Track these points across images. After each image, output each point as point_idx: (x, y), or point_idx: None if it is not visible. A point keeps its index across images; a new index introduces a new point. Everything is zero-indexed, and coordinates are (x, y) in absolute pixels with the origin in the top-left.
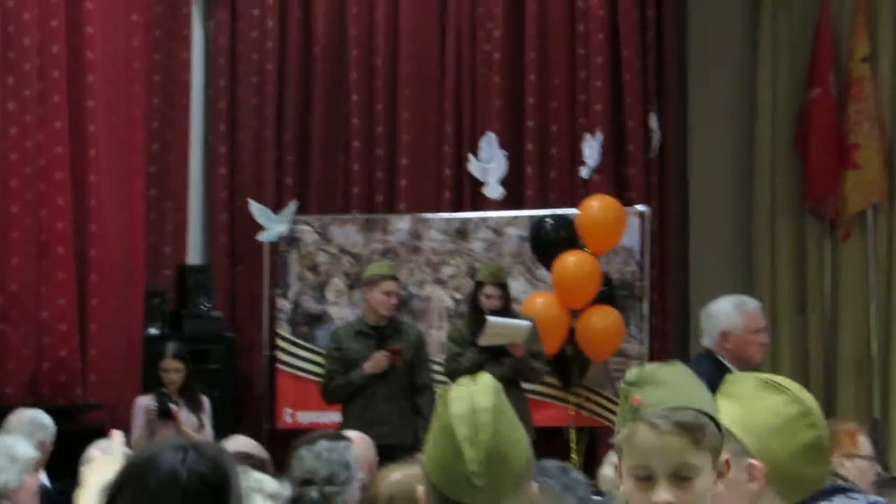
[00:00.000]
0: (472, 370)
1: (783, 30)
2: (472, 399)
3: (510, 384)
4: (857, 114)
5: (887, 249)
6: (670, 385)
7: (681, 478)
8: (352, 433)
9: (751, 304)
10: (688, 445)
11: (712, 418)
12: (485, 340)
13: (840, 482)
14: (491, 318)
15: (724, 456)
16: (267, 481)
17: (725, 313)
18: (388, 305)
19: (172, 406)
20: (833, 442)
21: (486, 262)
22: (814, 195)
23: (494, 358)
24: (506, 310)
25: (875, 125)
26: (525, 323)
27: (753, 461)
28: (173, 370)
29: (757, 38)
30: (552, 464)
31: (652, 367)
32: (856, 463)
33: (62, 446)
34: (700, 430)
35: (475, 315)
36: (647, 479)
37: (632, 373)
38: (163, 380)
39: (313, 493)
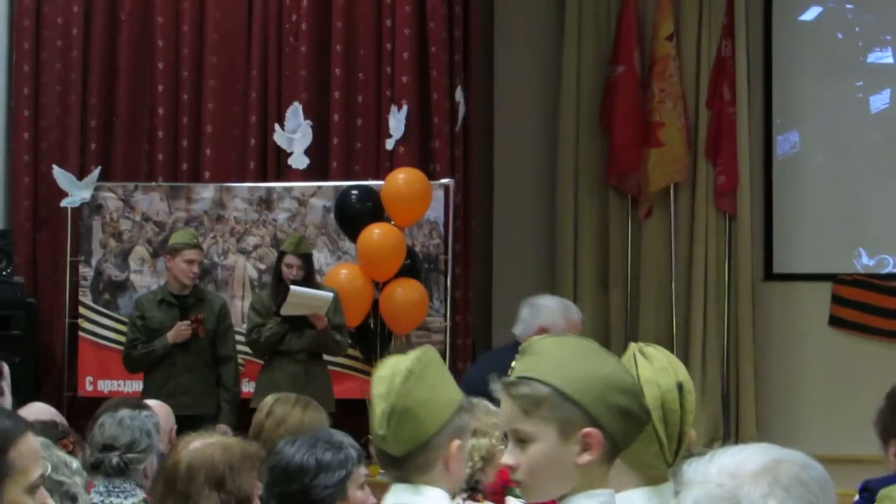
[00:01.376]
0: (273, 341)
1: (589, 6)
2: (394, 363)
3: (312, 356)
4: (660, 92)
5: (688, 227)
6: (546, 356)
7: (520, 441)
8: (151, 402)
9: (576, 314)
10: (518, 413)
11: (560, 391)
12: (287, 310)
13: None
14: (294, 288)
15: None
16: (70, 459)
17: (550, 311)
18: (189, 274)
19: None
20: None
21: (291, 232)
22: (617, 171)
23: (296, 329)
24: (308, 280)
25: (678, 103)
26: (327, 294)
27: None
28: None
29: (563, 14)
30: None
31: (537, 339)
32: None
33: None
34: (529, 399)
35: (278, 285)
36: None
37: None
38: None
39: (114, 459)
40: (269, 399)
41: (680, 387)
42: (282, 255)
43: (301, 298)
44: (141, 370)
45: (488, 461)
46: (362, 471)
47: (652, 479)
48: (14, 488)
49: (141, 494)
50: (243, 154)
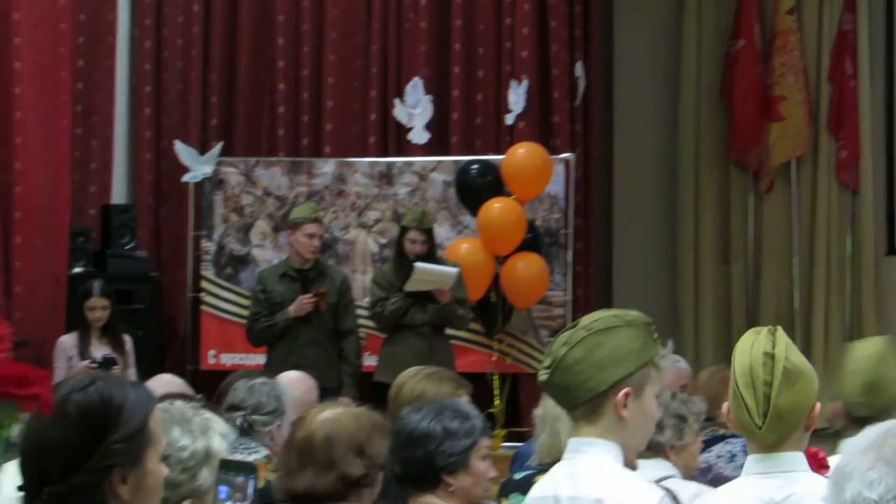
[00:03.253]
0: (397, 315)
1: None
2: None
3: (435, 330)
4: (781, 66)
5: (810, 201)
6: None
7: None
8: (294, 374)
9: (681, 365)
10: None
11: None
12: (411, 286)
13: (721, 431)
14: (419, 264)
15: None
16: (216, 420)
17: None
18: (310, 248)
19: (109, 358)
20: (725, 390)
21: (411, 207)
22: (738, 146)
23: (419, 303)
24: (430, 255)
25: (800, 77)
26: (452, 269)
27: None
28: (99, 308)
29: None
30: None
31: None
32: None
33: None
34: None
35: (401, 260)
36: None
37: None
38: (87, 318)
39: (238, 418)
40: (404, 373)
41: (770, 356)
42: (404, 230)
43: (426, 275)
44: (263, 344)
45: None
46: (486, 442)
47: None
48: (153, 457)
49: (265, 451)
50: (364, 129)
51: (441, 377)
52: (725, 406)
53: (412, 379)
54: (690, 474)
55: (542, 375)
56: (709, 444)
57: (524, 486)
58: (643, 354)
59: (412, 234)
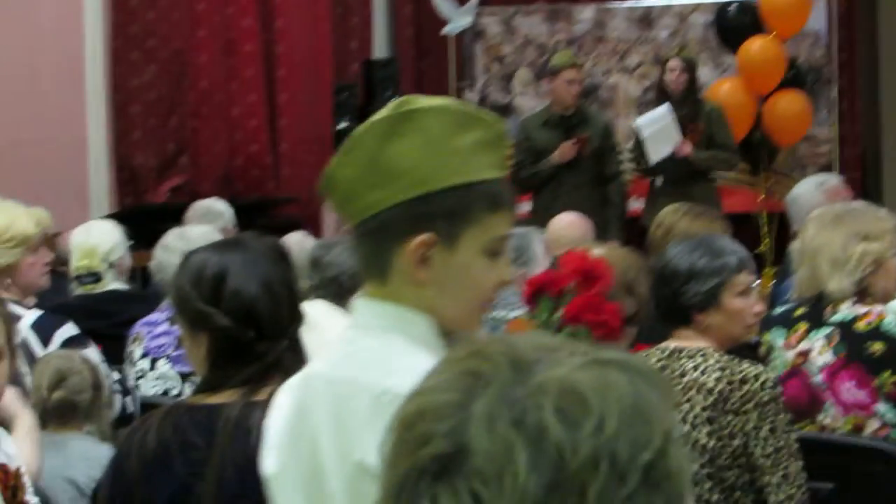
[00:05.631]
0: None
1: None
2: None
3: (697, 175)
4: None
5: None
6: None
7: None
8: (569, 216)
9: (832, 181)
10: None
11: None
12: (654, 155)
13: None
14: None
15: None
16: None
17: (808, 199)
18: (571, 94)
19: None
20: None
21: (673, 48)
22: None
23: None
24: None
25: None
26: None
27: None
28: None
29: None
30: None
31: None
32: None
33: None
34: None
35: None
36: None
37: None
38: None
39: None
40: (664, 211)
41: None
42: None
43: (653, 134)
44: (529, 191)
45: (879, 266)
46: (742, 278)
47: None
48: None
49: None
50: None
51: (696, 213)
52: None
53: (670, 216)
54: None
55: None
56: None
57: (785, 321)
58: None
59: (672, 63)
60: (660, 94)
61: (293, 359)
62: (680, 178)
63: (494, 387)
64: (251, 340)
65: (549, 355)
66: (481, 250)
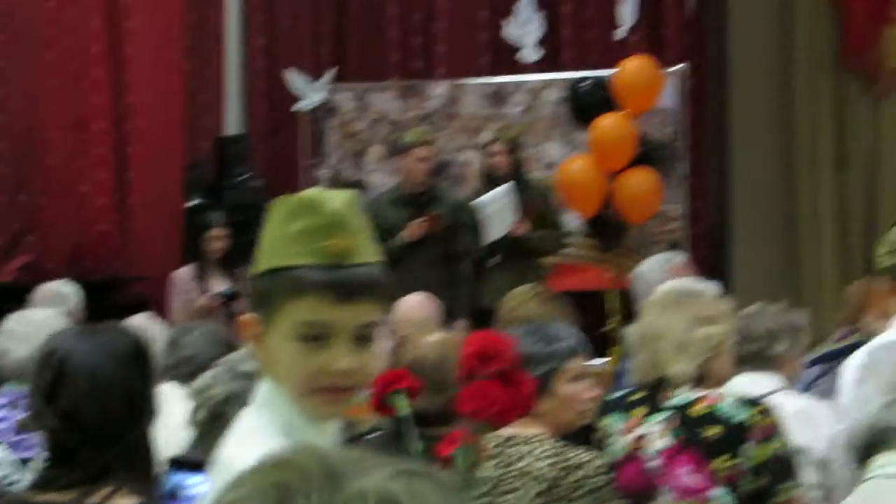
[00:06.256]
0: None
1: None
2: None
3: (530, 255)
4: None
5: None
6: None
7: None
8: (416, 296)
9: (677, 259)
10: None
11: None
12: (493, 234)
13: (866, 338)
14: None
15: None
16: None
17: (651, 276)
18: (421, 171)
19: (235, 291)
20: (869, 301)
21: (521, 125)
22: (853, 50)
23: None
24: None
25: None
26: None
27: None
28: (220, 238)
29: None
30: None
31: None
32: (887, 322)
33: (106, 320)
34: None
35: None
36: None
37: None
38: (206, 250)
39: None
40: (514, 292)
41: None
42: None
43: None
44: None
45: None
46: (575, 364)
47: None
48: None
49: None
50: (475, 49)
51: (546, 297)
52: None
53: (518, 298)
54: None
55: (884, 260)
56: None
57: (622, 406)
58: None
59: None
60: (484, 178)
61: (128, 464)
62: (513, 257)
63: (313, 498)
64: (76, 445)
65: (357, 465)
66: (292, 335)
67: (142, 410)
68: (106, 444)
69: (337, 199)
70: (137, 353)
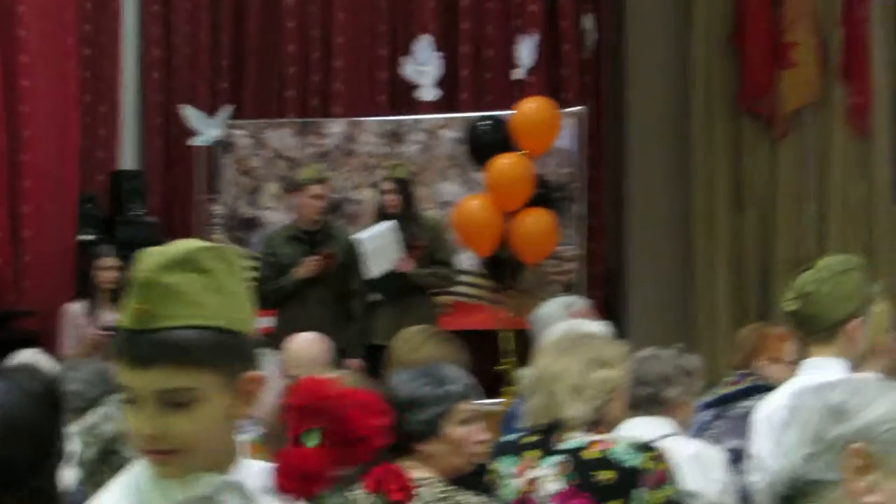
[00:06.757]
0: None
1: None
2: None
3: (416, 291)
4: (792, 11)
5: (823, 148)
6: None
7: None
8: (308, 335)
9: (579, 305)
10: None
11: None
12: (374, 269)
13: (760, 382)
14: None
15: None
16: None
17: (554, 317)
18: (316, 209)
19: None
20: (762, 345)
21: (423, 164)
22: (750, 94)
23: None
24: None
25: (811, 23)
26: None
27: None
28: (110, 269)
29: None
30: None
31: None
32: (781, 367)
33: None
34: None
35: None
36: None
37: None
38: (97, 282)
39: None
40: (408, 332)
41: None
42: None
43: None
44: (272, 306)
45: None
46: (465, 407)
47: None
48: None
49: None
50: (373, 88)
51: (441, 339)
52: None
53: (413, 339)
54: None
55: (790, 305)
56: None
57: (515, 449)
58: (868, 291)
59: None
60: (377, 215)
61: None
62: (398, 294)
63: None
64: None
65: None
66: (125, 398)
67: (49, 454)
68: (10, 490)
69: (151, 259)
70: (48, 395)
